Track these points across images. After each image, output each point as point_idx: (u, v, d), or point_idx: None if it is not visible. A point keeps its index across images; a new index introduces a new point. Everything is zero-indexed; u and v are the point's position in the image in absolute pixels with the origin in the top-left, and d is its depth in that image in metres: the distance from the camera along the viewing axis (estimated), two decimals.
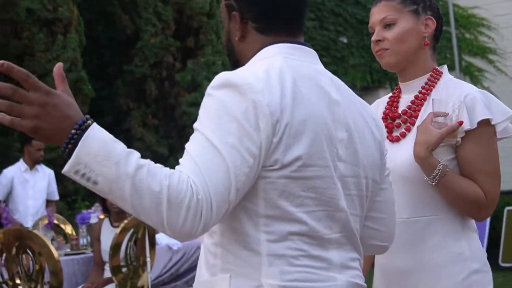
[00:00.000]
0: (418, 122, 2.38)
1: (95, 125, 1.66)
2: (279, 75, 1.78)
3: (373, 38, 2.44)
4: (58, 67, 1.71)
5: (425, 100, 2.40)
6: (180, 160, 1.71)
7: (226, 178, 1.66)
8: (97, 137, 1.64)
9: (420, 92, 2.42)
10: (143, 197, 1.61)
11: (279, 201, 1.76)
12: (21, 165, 7.45)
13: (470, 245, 2.32)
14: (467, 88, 2.34)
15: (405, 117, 2.41)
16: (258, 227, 1.76)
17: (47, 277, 4.25)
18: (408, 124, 2.39)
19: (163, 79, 9.01)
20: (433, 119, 2.29)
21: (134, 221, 5.02)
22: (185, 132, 8.98)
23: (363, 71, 12.03)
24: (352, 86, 11.95)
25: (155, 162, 1.66)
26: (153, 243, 5.21)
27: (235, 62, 2.00)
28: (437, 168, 2.26)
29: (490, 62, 11.49)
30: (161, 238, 5.72)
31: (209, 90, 1.77)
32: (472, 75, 12.13)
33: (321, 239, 1.80)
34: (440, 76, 2.43)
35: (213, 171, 1.65)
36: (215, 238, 1.82)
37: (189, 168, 1.66)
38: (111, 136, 1.67)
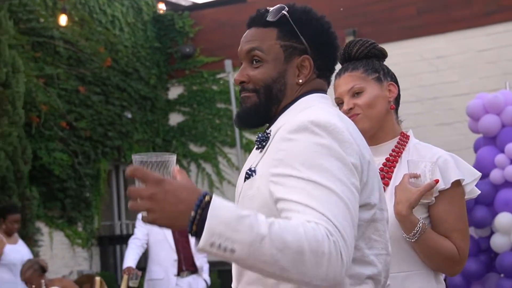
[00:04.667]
0: (391, 183, 2.57)
1: (214, 196, 1.63)
2: (339, 119, 1.85)
3: (345, 107, 2.60)
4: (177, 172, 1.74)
5: (396, 162, 2.60)
6: (289, 209, 1.69)
7: (347, 213, 1.68)
8: (223, 205, 1.61)
9: (390, 155, 2.61)
10: (284, 251, 1.58)
11: (359, 243, 1.82)
12: None
13: None
14: (437, 150, 2.58)
15: None
16: None
17: None
18: (383, 185, 2.57)
19: None
20: (409, 179, 2.49)
21: None
22: None
23: (146, 146, 12.15)
24: None
25: None
26: None
27: (275, 100, 1.99)
28: (417, 225, 2.45)
29: None
30: None
31: (289, 135, 1.79)
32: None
33: (380, 283, 1.89)
34: (408, 139, 2.65)
35: (335, 211, 1.66)
36: (283, 286, 1.79)
37: (314, 217, 1.64)
38: (231, 202, 1.66)
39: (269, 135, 1.94)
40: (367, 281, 1.84)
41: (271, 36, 2.01)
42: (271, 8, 2.03)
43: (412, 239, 2.46)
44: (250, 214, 1.61)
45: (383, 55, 2.71)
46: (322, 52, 2.02)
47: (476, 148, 7.23)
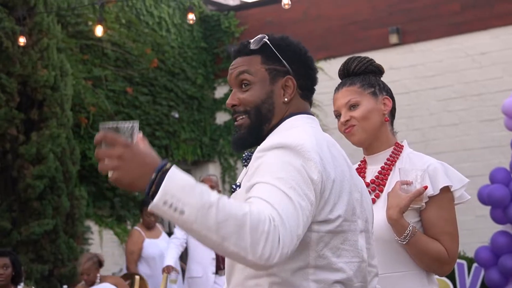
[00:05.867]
0: (385, 189, 2.71)
1: (174, 166, 1.83)
2: (315, 140, 2.05)
3: (342, 119, 2.77)
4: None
5: (391, 170, 2.75)
6: (250, 201, 1.88)
7: (296, 214, 1.86)
8: (180, 173, 1.81)
9: (385, 164, 2.76)
10: (228, 221, 1.75)
11: (325, 252, 2.01)
12: None
13: None
14: (428, 159, 2.72)
15: (374, 185, 2.74)
16: (308, 276, 1.99)
17: None
18: (377, 192, 2.72)
19: (6, 152, 8.82)
20: (401, 186, 2.64)
21: None
22: (28, 206, 8.81)
23: (193, 145, 12.39)
24: (183, 161, 12.27)
25: None
26: None
27: (266, 119, 2.21)
28: (408, 228, 2.60)
29: None
30: None
31: (260, 153, 2.01)
32: None
33: (352, 287, 2.07)
34: (402, 149, 2.79)
35: (285, 208, 1.84)
36: None
37: (263, 205, 1.83)
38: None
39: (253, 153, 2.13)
40: (335, 285, 2.02)
41: (256, 62, 2.23)
42: (253, 39, 2.25)
43: (403, 241, 2.60)
44: (204, 185, 1.81)
45: (379, 71, 2.85)
46: (302, 73, 2.24)
47: None
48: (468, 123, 10.83)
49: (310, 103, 2.29)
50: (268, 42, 2.23)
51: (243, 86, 2.23)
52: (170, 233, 8.76)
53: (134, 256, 7.85)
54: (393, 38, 11.35)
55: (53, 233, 8.91)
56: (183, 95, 12.30)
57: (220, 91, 13.00)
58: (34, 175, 8.76)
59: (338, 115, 2.80)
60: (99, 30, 8.75)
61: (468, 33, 10.94)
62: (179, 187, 1.77)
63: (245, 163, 2.19)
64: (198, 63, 12.76)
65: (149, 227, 8.19)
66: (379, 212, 2.64)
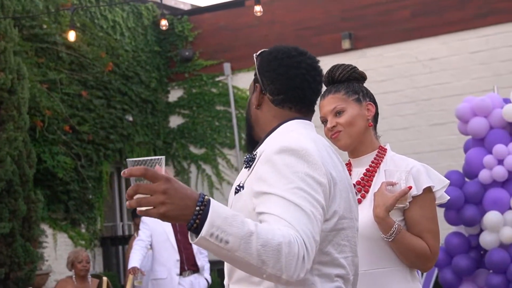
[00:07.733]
0: (371, 190, 2.85)
1: (211, 198, 1.93)
2: (314, 143, 2.18)
3: (328, 125, 2.90)
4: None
5: (375, 172, 2.89)
6: (266, 219, 2.00)
7: (310, 224, 1.99)
8: (220, 204, 1.92)
9: (370, 166, 2.90)
10: (266, 247, 1.88)
11: (329, 249, 2.15)
12: None
13: None
14: (411, 161, 2.87)
15: (360, 186, 2.87)
16: (312, 271, 2.11)
17: None
18: (363, 192, 2.86)
19: None
20: (386, 186, 2.78)
21: None
22: None
23: (147, 149, 12.43)
24: None
25: None
26: None
27: (250, 127, 2.37)
28: (393, 226, 2.74)
29: None
30: None
31: (268, 157, 2.12)
32: None
33: (348, 280, 2.23)
34: (386, 152, 2.94)
35: (300, 222, 1.97)
36: (266, 284, 2.11)
37: (283, 225, 1.96)
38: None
39: (255, 156, 2.25)
40: (337, 279, 2.17)
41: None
42: None
43: (389, 238, 2.75)
44: (241, 214, 1.93)
45: (363, 78, 2.99)
46: (271, 79, 2.32)
47: (466, 149, 7.50)
48: (418, 127, 11.11)
49: (306, 110, 2.34)
50: (256, 54, 2.38)
51: None
52: None
53: None
54: (346, 43, 11.59)
55: (10, 237, 8.87)
56: (137, 98, 12.34)
57: (173, 95, 13.07)
58: None
59: (324, 121, 2.93)
60: (71, 35, 8.79)
61: (418, 39, 11.24)
62: (222, 218, 1.87)
63: (247, 165, 2.26)
64: (152, 67, 12.81)
65: None
66: (366, 212, 2.78)
